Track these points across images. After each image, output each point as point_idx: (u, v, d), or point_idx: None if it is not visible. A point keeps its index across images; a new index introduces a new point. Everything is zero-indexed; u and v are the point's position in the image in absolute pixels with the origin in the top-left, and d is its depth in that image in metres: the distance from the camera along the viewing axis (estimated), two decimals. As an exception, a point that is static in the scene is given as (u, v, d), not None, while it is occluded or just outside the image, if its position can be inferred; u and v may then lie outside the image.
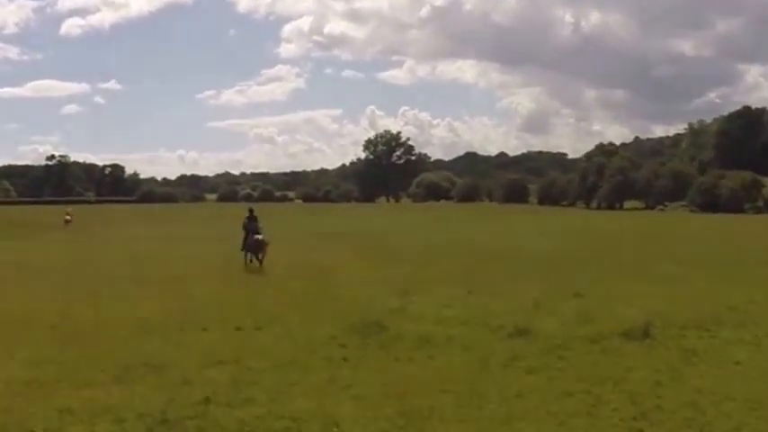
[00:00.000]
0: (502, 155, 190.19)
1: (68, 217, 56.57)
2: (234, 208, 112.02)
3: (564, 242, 39.17)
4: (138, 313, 16.36)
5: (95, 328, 14.52)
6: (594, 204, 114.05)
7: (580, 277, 22.08)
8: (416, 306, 16.96)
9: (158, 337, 13.65)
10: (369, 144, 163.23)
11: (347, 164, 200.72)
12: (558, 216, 75.59)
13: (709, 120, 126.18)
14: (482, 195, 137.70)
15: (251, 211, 27.34)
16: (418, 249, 34.63)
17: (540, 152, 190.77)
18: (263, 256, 24.64)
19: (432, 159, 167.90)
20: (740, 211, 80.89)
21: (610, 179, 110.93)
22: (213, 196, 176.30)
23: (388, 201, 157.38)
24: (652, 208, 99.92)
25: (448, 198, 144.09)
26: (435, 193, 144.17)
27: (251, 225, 25.86)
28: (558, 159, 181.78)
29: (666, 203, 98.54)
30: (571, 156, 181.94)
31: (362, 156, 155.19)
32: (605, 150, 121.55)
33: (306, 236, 45.74)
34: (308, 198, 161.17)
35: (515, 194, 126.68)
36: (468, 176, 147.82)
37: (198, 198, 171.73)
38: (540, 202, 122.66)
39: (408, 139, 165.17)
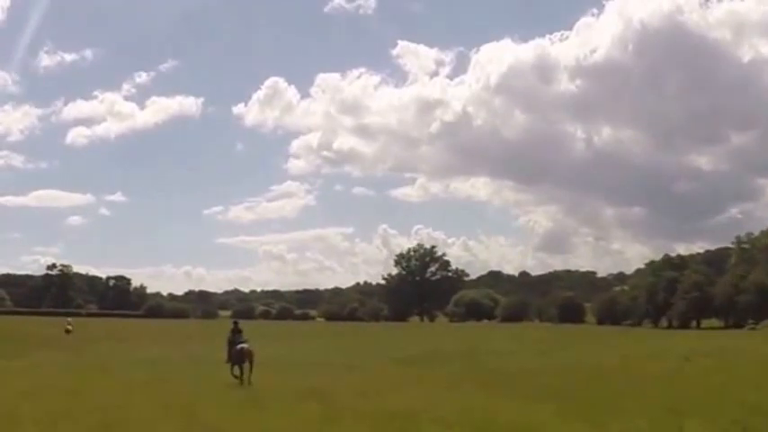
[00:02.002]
0: (524, 274, 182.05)
1: (69, 327, 54.88)
2: (255, 326, 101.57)
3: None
4: None
5: None
6: (665, 323, 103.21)
7: None
8: None
9: None
10: (401, 258, 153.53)
11: (361, 282, 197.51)
12: (658, 338, 63.70)
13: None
14: (530, 315, 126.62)
15: (235, 323, 27.45)
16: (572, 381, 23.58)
17: (569, 271, 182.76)
18: (250, 367, 24.02)
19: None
20: None
21: (684, 295, 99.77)
22: (226, 313, 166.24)
23: (422, 320, 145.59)
24: (739, 326, 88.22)
25: (491, 318, 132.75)
26: (476, 312, 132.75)
27: (236, 338, 25.64)
28: (588, 278, 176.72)
29: (752, 321, 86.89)
30: (600, 274, 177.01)
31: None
32: (673, 264, 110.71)
33: (384, 361, 34.77)
34: (331, 316, 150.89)
35: (571, 314, 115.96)
36: (512, 295, 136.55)
37: (210, 314, 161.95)
38: (600, 322, 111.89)
39: (444, 254, 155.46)
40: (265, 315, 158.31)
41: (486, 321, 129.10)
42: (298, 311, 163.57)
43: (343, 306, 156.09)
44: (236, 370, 24.38)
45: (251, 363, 23.89)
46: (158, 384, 23.08)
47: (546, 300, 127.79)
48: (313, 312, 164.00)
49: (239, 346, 24.48)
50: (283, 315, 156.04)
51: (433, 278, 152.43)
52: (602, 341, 55.20)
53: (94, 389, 21.49)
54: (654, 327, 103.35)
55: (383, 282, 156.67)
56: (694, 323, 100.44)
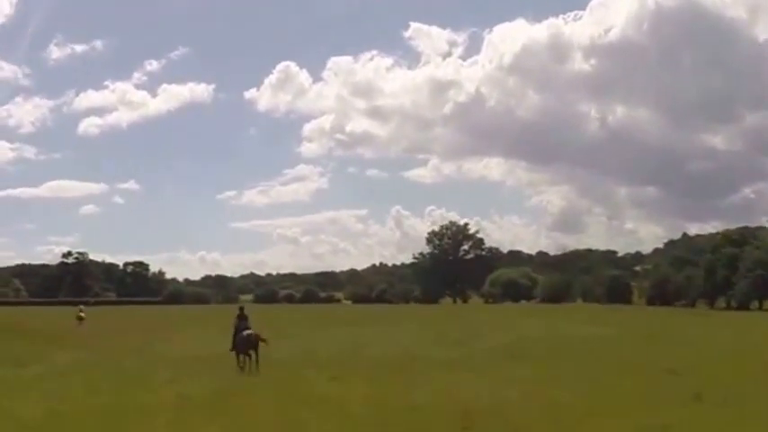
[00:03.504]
0: (542, 254, 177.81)
1: (82, 314, 52.78)
2: (286, 310, 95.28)
3: None
4: None
5: None
6: (722, 304, 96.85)
7: None
8: None
9: None
10: (433, 237, 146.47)
11: (377, 264, 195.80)
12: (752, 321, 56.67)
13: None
14: (573, 295, 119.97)
15: (241, 309, 25.87)
16: None
17: (589, 250, 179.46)
18: (257, 355, 22.96)
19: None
20: None
21: (748, 274, 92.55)
22: (247, 297, 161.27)
23: (454, 301, 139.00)
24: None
25: (529, 298, 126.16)
26: (514, 292, 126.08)
27: (241, 324, 24.34)
28: (608, 257, 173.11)
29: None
30: (621, 254, 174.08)
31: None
32: (732, 241, 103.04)
33: (488, 356, 28.37)
34: (358, 299, 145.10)
35: (618, 293, 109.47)
36: (553, 274, 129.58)
37: (230, 299, 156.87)
38: (650, 303, 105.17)
39: (478, 231, 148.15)
40: (289, 299, 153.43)
41: (524, 302, 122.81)
42: (322, 294, 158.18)
43: (370, 288, 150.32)
44: (242, 358, 23.45)
45: (257, 350, 22.92)
46: (229, 405, 16.47)
47: (590, 279, 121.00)
48: (338, 295, 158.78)
49: (245, 332, 23.44)
50: (308, 298, 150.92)
51: (467, 257, 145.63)
52: (705, 324, 48.31)
53: (143, 421, 14.89)
54: (710, 308, 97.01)
55: (414, 261, 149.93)
56: (756, 304, 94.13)
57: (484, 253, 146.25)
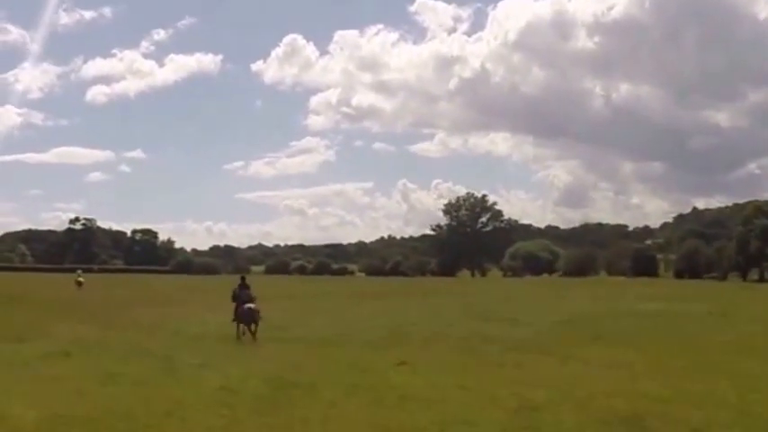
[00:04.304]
0: (551, 228, 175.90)
1: (81, 279, 54.18)
2: (304, 282, 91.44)
3: None
4: None
5: None
6: (755, 276, 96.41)
7: None
8: None
9: None
10: (450, 208, 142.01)
11: (385, 236, 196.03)
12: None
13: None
14: (597, 268, 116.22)
15: (243, 279, 25.38)
16: None
17: (600, 224, 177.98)
18: (256, 328, 22.65)
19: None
20: None
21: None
22: (259, 268, 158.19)
23: (473, 274, 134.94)
24: None
25: (551, 272, 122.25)
26: (535, 265, 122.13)
27: (242, 294, 23.85)
28: (620, 231, 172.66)
29: None
30: (632, 227, 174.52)
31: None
32: (765, 212, 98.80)
33: (563, 336, 24.11)
34: (372, 271, 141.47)
35: (645, 266, 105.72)
36: (576, 247, 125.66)
37: (241, 270, 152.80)
38: (678, 275, 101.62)
39: (495, 203, 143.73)
40: (301, 270, 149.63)
41: (546, 276, 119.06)
42: (335, 266, 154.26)
43: (384, 260, 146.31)
44: (242, 328, 23.12)
45: (256, 323, 22.73)
46: (293, 404, 12.42)
47: (614, 252, 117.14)
48: (352, 267, 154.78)
49: (247, 306, 23.00)
50: (320, 270, 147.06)
51: (485, 229, 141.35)
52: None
53: (170, 415, 10.84)
54: (743, 280, 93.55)
55: (432, 232, 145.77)
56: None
57: (503, 225, 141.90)
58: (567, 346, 21.12)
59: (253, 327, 22.69)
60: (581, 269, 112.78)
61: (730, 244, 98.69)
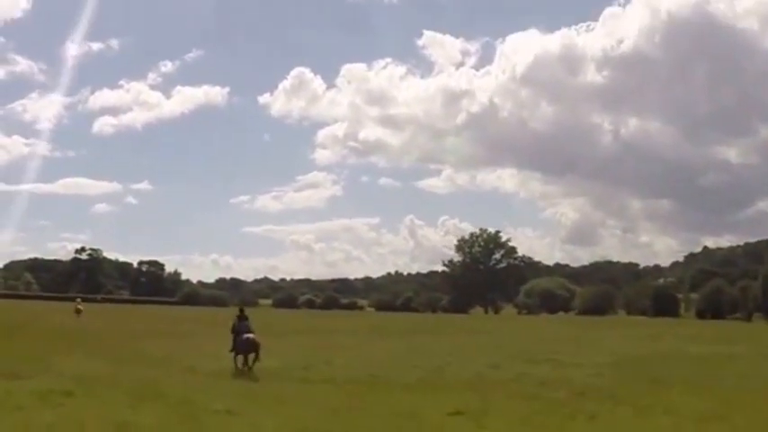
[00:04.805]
0: (562, 266, 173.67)
1: (80, 307, 54.18)
2: (317, 317, 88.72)
3: None
4: None
5: None
6: None
7: None
8: None
9: None
10: (463, 244, 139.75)
11: (392, 272, 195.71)
12: None
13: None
14: (615, 307, 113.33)
15: (241, 310, 25.00)
16: None
17: (610, 262, 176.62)
18: (255, 358, 22.25)
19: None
20: None
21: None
22: (266, 301, 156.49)
23: (486, 311, 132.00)
24: None
25: (566, 309, 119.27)
26: (551, 303, 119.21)
27: (241, 326, 23.34)
28: (631, 270, 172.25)
29: None
30: (642, 266, 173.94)
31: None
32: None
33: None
34: (382, 306, 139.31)
35: (666, 305, 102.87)
36: (592, 284, 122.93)
37: (248, 303, 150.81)
38: (700, 315, 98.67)
39: (509, 239, 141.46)
40: (309, 304, 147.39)
41: (562, 314, 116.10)
42: (344, 301, 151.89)
43: (395, 295, 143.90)
44: (240, 360, 22.67)
45: (257, 353, 22.30)
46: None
47: (634, 290, 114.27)
48: (361, 302, 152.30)
49: (245, 336, 22.66)
50: (329, 305, 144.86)
51: (498, 266, 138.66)
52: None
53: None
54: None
55: (444, 268, 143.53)
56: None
57: (517, 262, 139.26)
58: (635, 391, 18.64)
59: (252, 356, 22.30)
60: (599, 308, 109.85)
61: (755, 284, 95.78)
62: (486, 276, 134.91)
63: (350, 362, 25.75)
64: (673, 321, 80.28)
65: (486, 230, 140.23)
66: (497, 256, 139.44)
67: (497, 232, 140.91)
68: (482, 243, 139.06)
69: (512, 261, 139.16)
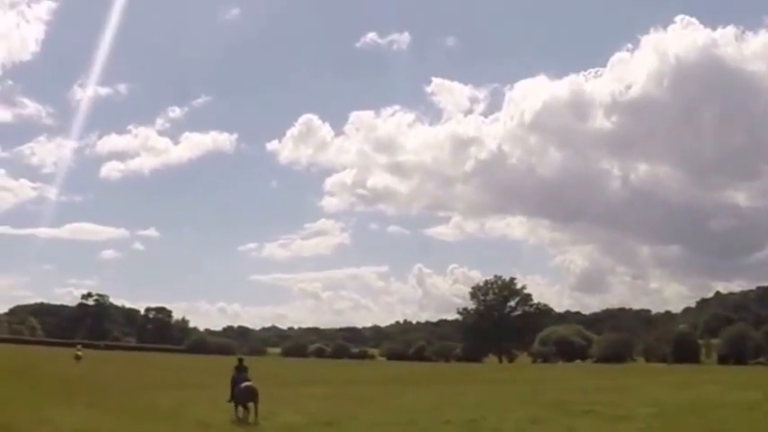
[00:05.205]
0: (573, 313, 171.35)
1: (79, 353, 53.48)
2: (330, 367, 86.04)
3: None
4: None
5: None
6: None
7: None
8: None
9: None
10: (477, 291, 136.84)
11: (401, 321, 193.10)
12: None
13: None
14: (633, 354, 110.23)
15: (240, 361, 25.19)
16: None
17: (622, 309, 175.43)
18: (255, 407, 22.17)
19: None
20: None
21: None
22: (275, 350, 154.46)
23: (500, 360, 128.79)
24: None
25: (583, 358, 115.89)
26: (568, 351, 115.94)
27: (240, 377, 23.47)
28: (643, 316, 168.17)
29: None
30: (654, 311, 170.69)
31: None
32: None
33: None
34: (393, 355, 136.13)
35: (686, 352, 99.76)
36: (609, 331, 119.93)
37: (257, 351, 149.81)
38: (722, 361, 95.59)
39: (524, 286, 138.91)
40: (319, 353, 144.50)
41: (579, 362, 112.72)
42: (355, 350, 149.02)
43: (407, 344, 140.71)
44: (240, 410, 22.54)
45: (256, 402, 22.06)
46: None
47: (653, 336, 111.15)
48: (372, 351, 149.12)
49: (244, 384, 22.60)
50: (339, 353, 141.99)
51: (513, 314, 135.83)
52: None
53: None
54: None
55: (458, 316, 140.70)
56: None
57: (532, 310, 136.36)
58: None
59: (251, 406, 22.12)
60: (617, 355, 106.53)
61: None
62: (500, 324, 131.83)
63: (378, 417, 23.70)
64: (697, 368, 77.60)
65: (500, 277, 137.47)
66: (512, 303, 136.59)
67: (512, 279, 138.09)
68: (496, 290, 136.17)
69: (527, 308, 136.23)
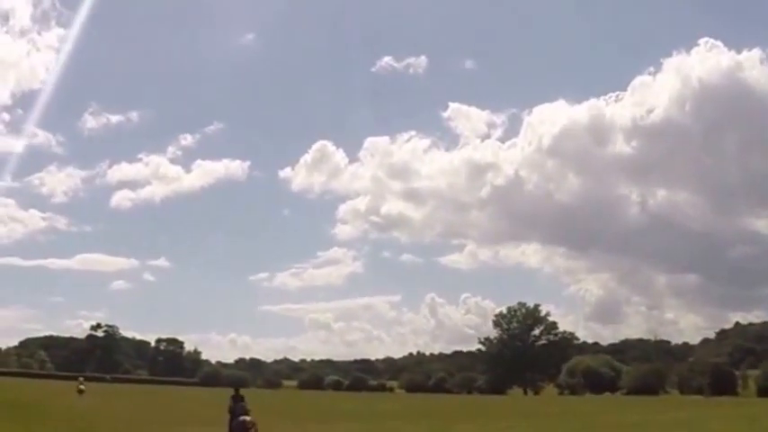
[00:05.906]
0: (591, 345, 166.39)
1: (82, 387, 52.60)
2: (356, 401, 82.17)
3: None
4: None
5: None
6: None
7: None
8: None
9: None
10: (500, 320, 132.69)
11: (414, 353, 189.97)
12: None
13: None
14: (666, 387, 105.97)
15: (236, 390, 25.11)
16: None
17: (641, 339, 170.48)
18: None
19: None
20: None
21: None
22: (291, 383, 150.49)
23: (525, 393, 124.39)
24: None
25: (613, 390, 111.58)
26: (597, 382, 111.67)
27: (237, 407, 23.16)
28: (663, 347, 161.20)
29: None
30: (674, 342, 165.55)
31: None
32: None
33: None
34: (413, 387, 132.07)
35: (724, 384, 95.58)
36: (639, 362, 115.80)
37: (271, 384, 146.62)
38: (762, 393, 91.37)
39: (548, 313, 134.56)
40: (336, 386, 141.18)
41: (608, 394, 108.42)
42: (373, 382, 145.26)
43: (426, 375, 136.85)
44: None
45: None
46: None
47: (687, 368, 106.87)
48: (391, 383, 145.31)
49: (241, 418, 21.20)
50: (356, 386, 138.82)
51: (538, 343, 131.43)
52: None
53: None
54: None
55: (481, 346, 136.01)
56: None
57: (557, 338, 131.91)
58: None
59: None
60: (649, 387, 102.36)
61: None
62: (524, 354, 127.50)
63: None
64: (740, 400, 73.54)
65: (524, 304, 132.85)
66: (536, 332, 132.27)
67: (536, 306, 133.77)
68: (520, 318, 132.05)
69: (551, 337, 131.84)
